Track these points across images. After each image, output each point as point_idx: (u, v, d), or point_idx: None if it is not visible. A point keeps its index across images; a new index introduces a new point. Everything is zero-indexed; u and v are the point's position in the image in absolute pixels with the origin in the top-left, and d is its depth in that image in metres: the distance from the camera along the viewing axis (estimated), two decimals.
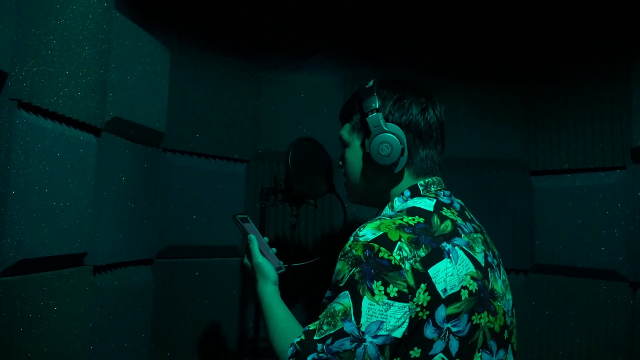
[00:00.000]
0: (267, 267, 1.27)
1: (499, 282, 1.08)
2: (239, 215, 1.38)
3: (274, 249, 1.39)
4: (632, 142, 1.85)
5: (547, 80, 2.10)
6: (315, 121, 2.21)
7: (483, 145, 2.18)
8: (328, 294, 1.01)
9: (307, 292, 2.17)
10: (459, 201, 1.15)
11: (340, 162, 1.26)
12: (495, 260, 1.11)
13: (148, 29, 1.77)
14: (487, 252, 1.08)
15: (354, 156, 1.19)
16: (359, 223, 2.16)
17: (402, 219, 1.01)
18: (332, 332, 0.95)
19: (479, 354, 0.99)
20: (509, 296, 1.11)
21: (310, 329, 0.99)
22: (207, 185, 2.05)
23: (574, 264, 1.95)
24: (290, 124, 2.20)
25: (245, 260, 1.34)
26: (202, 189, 2.03)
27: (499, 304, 1.05)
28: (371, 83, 1.18)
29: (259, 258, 1.28)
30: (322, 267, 2.06)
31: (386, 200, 1.16)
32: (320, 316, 0.99)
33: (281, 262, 1.36)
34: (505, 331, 1.06)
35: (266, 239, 1.40)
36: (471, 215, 1.15)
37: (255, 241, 1.31)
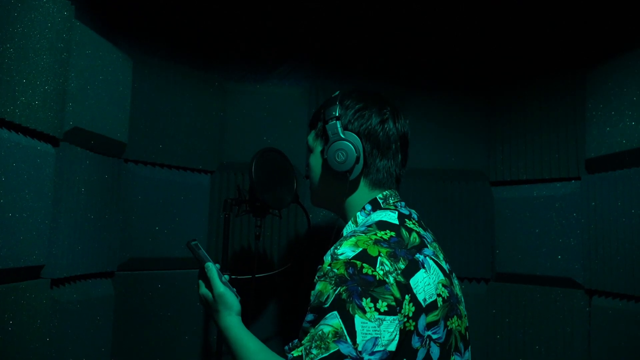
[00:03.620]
0: (231, 297, 1.20)
1: (456, 287, 1.13)
2: (192, 242, 1.31)
3: (226, 276, 1.31)
4: (586, 154, 1.91)
5: (507, 93, 2.16)
6: (281, 132, 2.21)
7: (444, 156, 2.22)
8: (310, 317, 0.99)
9: (272, 302, 2.16)
10: (414, 211, 1.18)
11: (307, 168, 1.28)
12: (449, 266, 1.16)
13: (110, 38, 1.76)
14: (445, 259, 1.13)
15: (315, 162, 1.22)
16: (322, 233, 2.17)
17: (376, 234, 1.03)
18: (325, 355, 0.92)
19: (453, 357, 1.03)
20: (462, 300, 1.17)
21: (295, 355, 0.96)
22: (171, 196, 2.03)
23: (532, 272, 2.00)
24: (255, 135, 2.20)
25: (203, 290, 1.26)
26: (165, 200, 2.01)
27: (462, 307, 1.11)
28: (337, 93, 1.20)
29: (221, 288, 1.21)
30: (287, 277, 2.06)
31: (345, 209, 1.18)
32: (303, 341, 0.96)
33: (235, 289, 1.27)
34: (467, 332, 1.12)
35: (218, 265, 1.31)
36: (424, 224, 1.19)
37: (213, 269, 1.24)
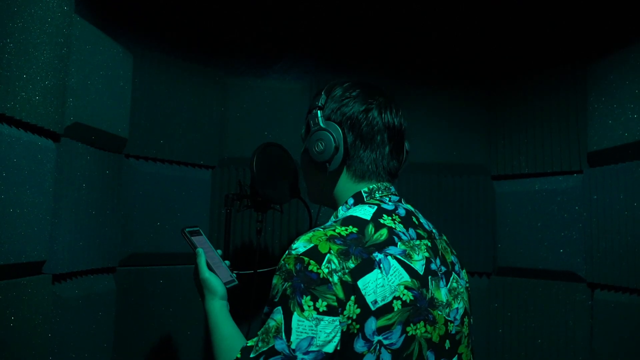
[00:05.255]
0: (214, 282, 1.22)
1: (442, 291, 1.04)
2: (187, 229, 1.33)
3: (227, 262, 1.35)
4: (588, 147, 1.91)
5: (508, 87, 2.16)
6: (281, 127, 2.21)
7: (446, 151, 2.21)
8: (265, 309, 0.99)
9: None
10: (408, 206, 1.12)
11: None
12: (443, 268, 1.07)
13: (110, 33, 1.75)
14: (431, 260, 1.04)
15: (302, 155, 1.19)
16: None
17: (334, 230, 0.99)
18: (264, 349, 0.92)
19: None
20: (457, 305, 1.08)
21: (248, 345, 0.97)
22: (172, 191, 2.03)
23: (534, 266, 2.00)
24: (256, 130, 2.20)
25: (193, 275, 1.30)
26: (166, 195, 2.00)
27: (440, 313, 1.01)
28: (327, 84, 1.16)
29: (206, 273, 1.24)
30: None
31: (335, 202, 1.14)
32: (258, 332, 0.97)
33: (234, 274, 1.31)
34: (447, 340, 1.03)
35: (219, 251, 1.35)
36: (421, 221, 1.11)
37: (202, 255, 1.27)
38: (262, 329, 0.97)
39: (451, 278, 1.09)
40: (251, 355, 0.94)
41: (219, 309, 1.20)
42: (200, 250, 1.28)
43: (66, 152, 1.52)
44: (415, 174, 2.19)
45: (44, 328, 1.42)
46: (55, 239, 1.47)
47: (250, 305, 1.69)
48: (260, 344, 0.94)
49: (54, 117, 1.45)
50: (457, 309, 1.07)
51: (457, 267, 1.14)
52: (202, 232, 1.37)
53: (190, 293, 2.05)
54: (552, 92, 2.02)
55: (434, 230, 1.14)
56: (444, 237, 1.18)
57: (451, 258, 1.13)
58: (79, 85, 1.57)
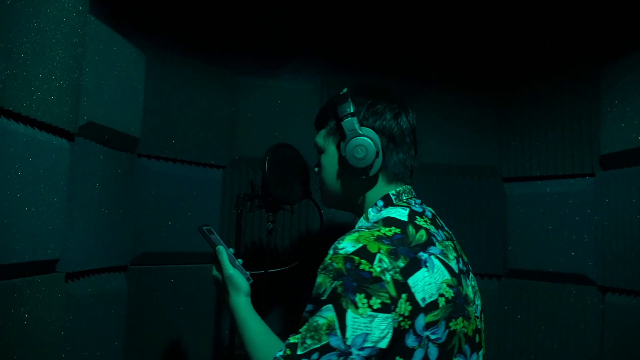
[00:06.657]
0: (239, 278, 1.25)
1: (469, 288, 1.10)
2: (204, 227, 1.36)
3: (240, 260, 1.36)
4: (600, 150, 1.90)
5: (519, 89, 2.15)
6: (292, 127, 2.21)
7: (456, 152, 2.21)
8: (309, 307, 1.01)
9: (284, 298, 2.17)
10: (430, 209, 1.17)
11: (317, 169, 1.27)
12: (464, 267, 1.13)
13: (123, 34, 1.76)
14: (458, 259, 1.10)
15: (329, 161, 1.21)
16: (335, 228, 2.17)
17: (379, 230, 1.02)
18: (317, 346, 0.94)
19: (456, 359, 1.01)
20: (478, 301, 1.14)
21: (291, 342, 0.98)
22: (183, 191, 2.04)
23: (545, 269, 1.99)
24: (266, 130, 2.21)
25: (214, 272, 1.32)
26: (177, 195, 2.01)
27: (471, 309, 1.07)
28: (345, 90, 1.20)
29: (230, 269, 1.26)
30: (299, 272, 2.06)
31: (361, 206, 1.17)
32: (301, 330, 0.99)
33: (248, 272, 1.33)
34: (477, 335, 1.09)
35: (231, 250, 1.36)
36: (441, 223, 1.17)
37: (224, 252, 1.29)
38: (305, 326, 0.98)
39: (470, 277, 1.15)
40: (299, 352, 0.96)
41: (245, 305, 1.22)
42: (221, 248, 1.31)
43: (80, 151, 1.53)
44: (426, 175, 2.19)
45: (57, 326, 1.43)
46: (69, 238, 1.48)
47: (261, 305, 1.70)
48: (308, 341, 0.95)
49: (68, 116, 1.46)
50: (478, 305, 1.13)
51: (470, 267, 1.19)
52: (214, 231, 1.39)
53: (201, 292, 2.07)
54: (564, 94, 2.01)
55: (450, 232, 1.19)
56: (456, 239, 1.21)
57: (466, 258, 1.19)
58: (93, 85, 1.58)
